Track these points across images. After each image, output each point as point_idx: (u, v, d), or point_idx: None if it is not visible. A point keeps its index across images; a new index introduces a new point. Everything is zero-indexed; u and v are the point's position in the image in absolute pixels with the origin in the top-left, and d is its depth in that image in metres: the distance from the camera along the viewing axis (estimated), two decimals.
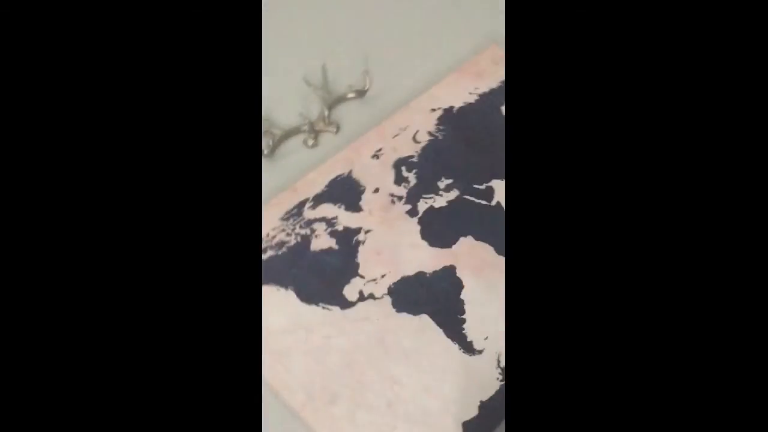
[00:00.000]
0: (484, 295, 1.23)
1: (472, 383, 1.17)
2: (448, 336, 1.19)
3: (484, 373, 1.17)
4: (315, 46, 1.47)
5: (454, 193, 1.30)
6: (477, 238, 1.27)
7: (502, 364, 1.18)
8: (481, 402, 1.15)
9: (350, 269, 1.21)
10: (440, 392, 1.15)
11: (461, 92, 1.42)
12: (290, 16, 1.51)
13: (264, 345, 1.13)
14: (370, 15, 1.52)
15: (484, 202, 1.30)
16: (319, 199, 1.26)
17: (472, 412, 1.14)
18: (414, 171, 1.31)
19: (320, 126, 1.37)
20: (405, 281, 1.22)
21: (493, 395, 1.15)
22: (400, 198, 1.29)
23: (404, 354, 1.16)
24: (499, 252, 1.27)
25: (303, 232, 1.23)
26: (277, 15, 1.51)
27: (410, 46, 1.49)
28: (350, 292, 1.20)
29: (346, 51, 1.47)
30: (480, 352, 1.19)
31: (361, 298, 1.19)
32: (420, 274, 1.23)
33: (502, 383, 1.16)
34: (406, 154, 1.33)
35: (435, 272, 1.24)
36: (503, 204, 1.31)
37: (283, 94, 1.39)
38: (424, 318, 1.20)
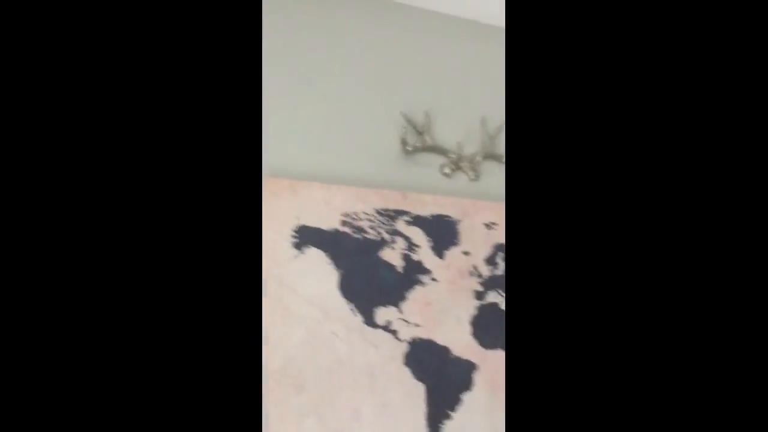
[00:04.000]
0: (480, 411, 1.19)
1: None
2: (428, 412, 1.16)
3: None
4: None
5: None
6: None
7: None
8: None
9: (394, 296, 1.19)
10: None
11: None
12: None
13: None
14: None
15: None
16: (418, 222, 1.24)
17: None
18: None
19: (464, 165, 1.34)
20: (428, 344, 1.19)
21: None
22: (479, 276, 1.26)
23: (380, 400, 1.13)
24: None
25: (384, 235, 1.21)
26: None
27: None
28: (380, 315, 1.17)
29: None
30: None
31: (385, 327, 1.17)
32: (444, 350, 1.20)
33: None
34: None
35: (457, 358, 1.20)
36: None
37: (458, 120, 1.38)
38: (418, 387, 1.16)
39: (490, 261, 1.28)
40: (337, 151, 1.25)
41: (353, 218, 1.20)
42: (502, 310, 1.26)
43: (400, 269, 1.21)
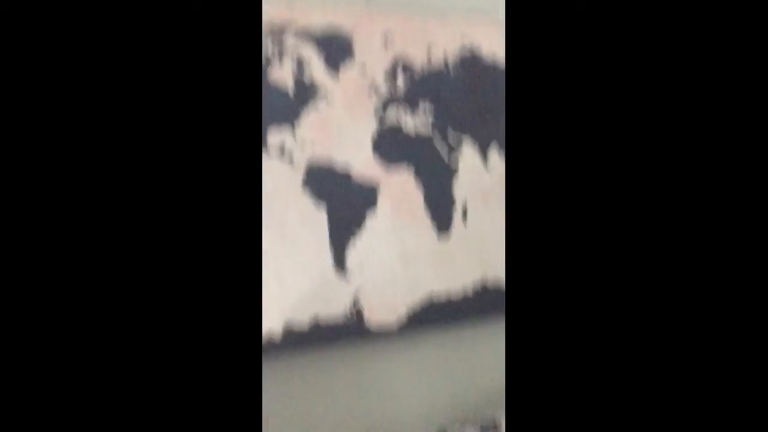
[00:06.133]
0: (385, 230, 1.15)
1: (302, 281, 1.10)
2: (331, 236, 1.11)
3: (327, 282, 1.11)
4: None
5: (427, 122, 1.21)
6: (417, 175, 1.19)
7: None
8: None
9: (289, 116, 1.10)
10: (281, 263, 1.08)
11: (498, 47, 1.32)
12: None
13: None
14: None
15: (446, 150, 1.22)
16: (306, 35, 1.13)
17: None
18: (409, 78, 1.20)
19: None
20: (325, 162, 1.12)
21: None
22: (377, 90, 1.18)
23: (280, 220, 1.07)
24: (426, 204, 1.19)
25: (272, 50, 1.10)
26: None
27: None
28: (273, 135, 1.08)
29: None
30: (344, 272, 1.12)
31: (279, 149, 1.08)
32: (343, 168, 1.13)
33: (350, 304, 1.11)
34: (412, 60, 1.22)
35: (359, 177, 1.14)
36: (458, 162, 1.23)
37: None
38: (320, 205, 1.10)
39: (390, 76, 1.20)
40: None
41: None
42: (402, 127, 1.19)
43: (290, 90, 1.11)
